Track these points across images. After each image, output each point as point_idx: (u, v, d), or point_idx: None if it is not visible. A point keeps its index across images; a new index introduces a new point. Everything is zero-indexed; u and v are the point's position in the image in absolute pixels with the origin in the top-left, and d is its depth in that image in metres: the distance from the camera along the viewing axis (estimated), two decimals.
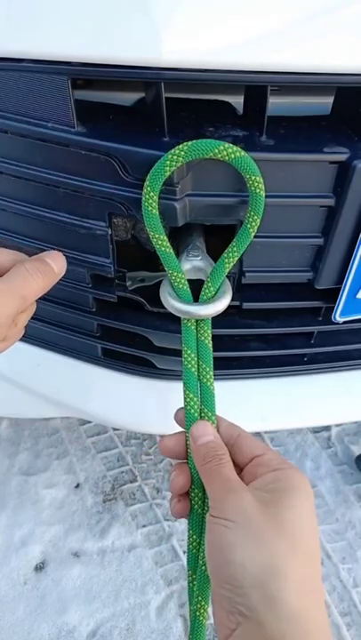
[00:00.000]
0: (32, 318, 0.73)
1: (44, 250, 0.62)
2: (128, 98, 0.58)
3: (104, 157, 0.51)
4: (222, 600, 0.38)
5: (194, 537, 0.49)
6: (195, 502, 0.49)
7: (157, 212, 0.50)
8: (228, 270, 0.52)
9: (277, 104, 0.53)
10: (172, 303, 0.53)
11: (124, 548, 1.12)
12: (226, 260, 0.52)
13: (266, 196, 0.53)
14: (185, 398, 0.50)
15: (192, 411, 0.50)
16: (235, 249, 0.51)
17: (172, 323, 0.66)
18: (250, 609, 0.36)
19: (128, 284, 0.67)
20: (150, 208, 0.49)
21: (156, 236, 0.50)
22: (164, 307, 0.55)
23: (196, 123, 0.54)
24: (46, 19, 0.47)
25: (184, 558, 1.11)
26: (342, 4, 0.47)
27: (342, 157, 0.52)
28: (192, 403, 0.50)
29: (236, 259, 0.52)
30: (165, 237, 0.51)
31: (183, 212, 0.53)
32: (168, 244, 0.51)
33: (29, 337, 0.77)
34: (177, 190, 0.51)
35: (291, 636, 0.35)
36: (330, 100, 0.56)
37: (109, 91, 0.58)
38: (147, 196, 0.49)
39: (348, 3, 0.47)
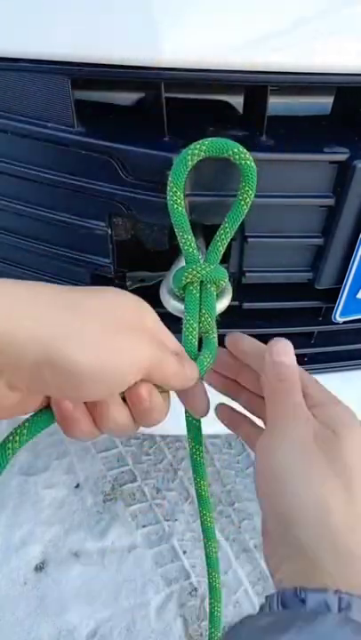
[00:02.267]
0: None
1: (45, 250, 0.62)
2: (128, 98, 0.58)
3: (104, 157, 0.51)
4: (274, 533, 0.38)
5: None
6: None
7: (184, 210, 0.49)
8: (222, 253, 0.51)
9: (277, 104, 0.53)
10: (172, 303, 0.53)
11: (124, 548, 1.12)
12: (219, 242, 0.51)
13: (266, 196, 0.53)
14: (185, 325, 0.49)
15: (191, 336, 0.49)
16: (227, 228, 0.50)
17: (173, 322, 0.66)
18: (303, 544, 0.35)
19: (128, 284, 0.67)
20: (176, 206, 0.48)
21: (184, 236, 0.50)
22: (164, 307, 0.55)
23: (197, 123, 0.54)
24: (46, 19, 0.47)
25: (184, 558, 1.11)
26: (342, 5, 0.47)
27: (342, 157, 0.52)
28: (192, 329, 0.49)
29: (230, 239, 0.51)
30: (193, 237, 0.50)
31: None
32: (195, 245, 0.50)
33: None
34: None
35: (344, 571, 0.34)
36: (330, 99, 0.56)
37: (109, 91, 0.58)
38: (171, 193, 0.48)
39: (347, 3, 0.47)
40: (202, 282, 0.50)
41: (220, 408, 0.52)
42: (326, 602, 0.31)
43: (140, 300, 0.40)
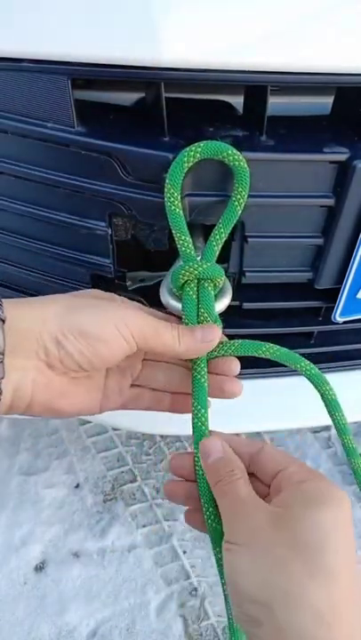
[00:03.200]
0: None
1: (45, 250, 0.62)
2: (128, 98, 0.58)
3: (104, 157, 0.51)
4: (242, 629, 0.35)
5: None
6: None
7: (181, 211, 0.50)
8: (217, 252, 0.52)
9: (277, 104, 0.53)
10: (171, 303, 0.53)
11: (124, 547, 1.12)
12: (214, 241, 0.51)
13: (266, 196, 0.53)
14: (193, 411, 0.48)
15: (201, 425, 0.48)
16: (222, 227, 0.51)
17: None
18: None
19: (128, 284, 0.67)
20: (173, 207, 0.49)
21: (181, 237, 0.50)
22: (164, 307, 0.55)
23: (197, 123, 0.54)
24: (46, 19, 0.47)
25: (184, 558, 1.11)
26: (342, 4, 0.47)
27: (342, 157, 0.52)
28: (201, 416, 0.48)
29: (225, 238, 0.51)
30: (190, 239, 0.50)
31: (183, 212, 0.53)
32: (192, 246, 0.51)
33: None
34: None
35: None
36: (330, 100, 0.56)
37: (109, 91, 0.58)
38: (168, 195, 0.49)
39: (347, 3, 0.47)
40: (199, 280, 0.51)
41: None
42: None
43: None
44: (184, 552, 1.12)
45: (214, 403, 0.51)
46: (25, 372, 0.41)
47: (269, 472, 0.41)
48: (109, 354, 0.43)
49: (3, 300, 0.42)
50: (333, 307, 0.65)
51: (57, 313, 0.42)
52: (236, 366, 0.51)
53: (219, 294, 0.53)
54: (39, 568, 1.09)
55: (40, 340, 0.41)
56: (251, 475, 0.42)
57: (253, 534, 0.36)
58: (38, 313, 0.42)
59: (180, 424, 0.52)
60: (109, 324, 0.43)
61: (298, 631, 0.31)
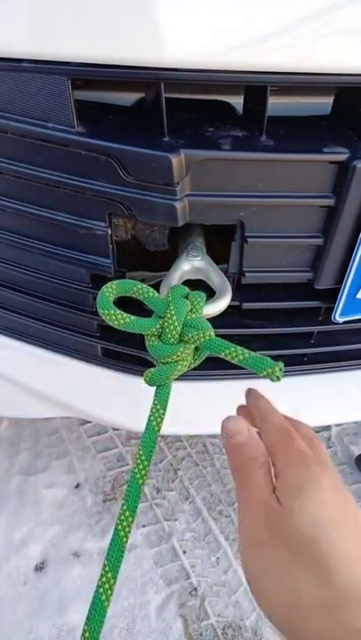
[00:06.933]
0: (32, 318, 0.74)
1: (45, 250, 0.62)
2: (128, 98, 0.58)
3: (104, 157, 0.51)
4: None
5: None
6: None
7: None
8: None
9: (277, 104, 0.53)
10: None
11: None
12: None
13: (266, 197, 0.53)
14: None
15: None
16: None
17: None
18: None
19: None
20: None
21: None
22: None
23: (196, 123, 0.54)
24: (46, 19, 0.47)
25: (184, 558, 1.11)
26: (342, 5, 0.47)
27: (342, 157, 0.52)
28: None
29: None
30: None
31: (183, 212, 0.53)
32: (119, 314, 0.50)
33: (30, 337, 0.77)
34: (177, 190, 0.51)
35: None
36: (330, 100, 0.56)
37: (109, 91, 0.58)
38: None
39: (347, 3, 0.47)
40: None
41: None
42: None
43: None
44: (184, 552, 1.12)
45: (216, 401, 0.51)
46: None
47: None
48: None
49: None
50: (333, 307, 0.65)
51: None
52: None
53: (218, 295, 0.54)
54: (39, 568, 1.09)
55: None
56: None
57: (253, 535, 0.35)
58: None
59: (181, 424, 0.52)
60: None
61: (315, 632, 0.31)
